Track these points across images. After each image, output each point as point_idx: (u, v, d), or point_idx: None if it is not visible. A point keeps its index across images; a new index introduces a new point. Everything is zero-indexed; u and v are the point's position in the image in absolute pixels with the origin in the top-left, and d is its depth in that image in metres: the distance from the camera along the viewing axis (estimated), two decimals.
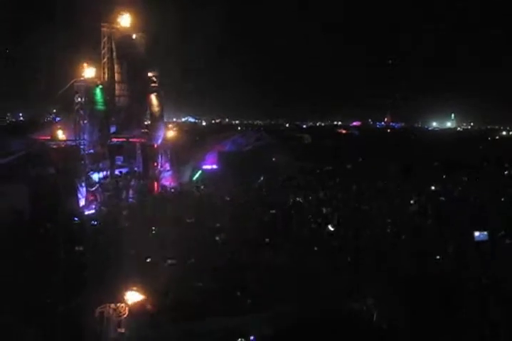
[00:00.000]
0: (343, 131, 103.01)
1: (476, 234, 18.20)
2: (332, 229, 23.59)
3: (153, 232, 22.13)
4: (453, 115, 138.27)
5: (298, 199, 29.93)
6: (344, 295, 15.83)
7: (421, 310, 14.40)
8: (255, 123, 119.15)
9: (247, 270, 17.71)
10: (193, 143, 45.58)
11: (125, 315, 13.72)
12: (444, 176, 39.44)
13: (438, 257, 18.25)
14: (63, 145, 31.27)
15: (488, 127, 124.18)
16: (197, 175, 38.69)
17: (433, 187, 34.24)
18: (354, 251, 19.54)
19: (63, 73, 32.82)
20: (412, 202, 29.26)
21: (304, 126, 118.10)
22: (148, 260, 18.31)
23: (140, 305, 14.27)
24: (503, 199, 29.38)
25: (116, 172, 33.02)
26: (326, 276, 17.07)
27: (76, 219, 25.52)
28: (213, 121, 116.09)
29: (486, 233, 18.18)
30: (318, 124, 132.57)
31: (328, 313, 14.63)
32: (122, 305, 13.93)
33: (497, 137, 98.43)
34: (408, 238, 21.16)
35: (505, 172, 43.29)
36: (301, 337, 13.52)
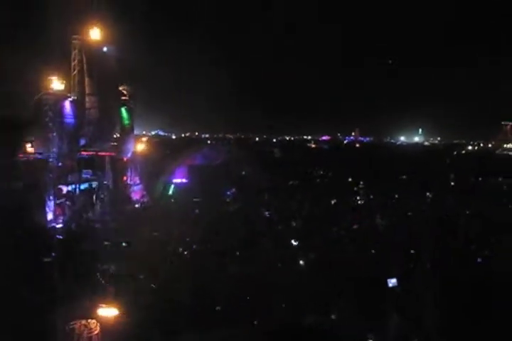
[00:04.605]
0: (313, 145, 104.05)
1: (392, 280, 18.92)
2: (295, 243, 23.93)
3: (124, 245, 21.92)
4: (420, 130, 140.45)
5: (267, 213, 30.21)
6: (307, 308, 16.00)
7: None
8: (225, 136, 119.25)
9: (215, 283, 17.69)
10: (163, 156, 45.45)
11: (96, 332, 13.55)
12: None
13: None
14: (31, 159, 30.74)
15: (455, 141, 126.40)
16: (171, 190, 38.51)
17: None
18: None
19: (32, 86, 32.33)
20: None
21: (274, 140, 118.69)
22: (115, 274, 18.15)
23: (112, 321, 14.08)
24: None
25: (86, 185, 32.61)
26: (291, 290, 17.25)
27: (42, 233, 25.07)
28: (183, 135, 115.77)
29: (395, 280, 18.88)
30: (288, 138, 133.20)
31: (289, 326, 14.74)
32: (93, 321, 13.75)
33: (463, 151, 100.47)
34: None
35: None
36: None
